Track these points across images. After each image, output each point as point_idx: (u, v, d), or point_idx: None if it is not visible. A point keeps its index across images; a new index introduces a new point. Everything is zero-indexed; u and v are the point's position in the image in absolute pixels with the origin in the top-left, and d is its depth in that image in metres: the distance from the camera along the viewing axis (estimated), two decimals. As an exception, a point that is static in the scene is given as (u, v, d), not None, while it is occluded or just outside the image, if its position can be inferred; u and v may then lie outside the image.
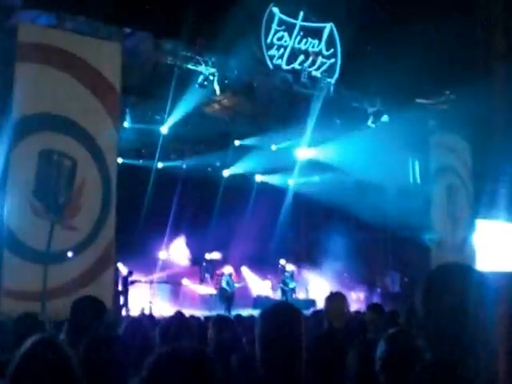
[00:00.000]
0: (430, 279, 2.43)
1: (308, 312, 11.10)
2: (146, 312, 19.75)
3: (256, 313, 14.87)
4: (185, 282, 25.45)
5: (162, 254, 25.39)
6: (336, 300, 5.78)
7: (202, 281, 25.67)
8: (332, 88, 22.21)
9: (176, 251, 25.98)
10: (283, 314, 3.22)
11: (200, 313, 17.99)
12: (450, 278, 2.38)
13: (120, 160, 20.13)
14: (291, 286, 25.74)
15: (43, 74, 15.87)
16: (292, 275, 26.20)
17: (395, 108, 24.42)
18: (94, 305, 4.90)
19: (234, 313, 21.37)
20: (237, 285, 24.95)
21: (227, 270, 25.45)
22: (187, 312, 14.89)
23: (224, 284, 24.55)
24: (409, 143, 26.05)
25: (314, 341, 4.81)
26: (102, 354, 3.95)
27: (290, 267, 26.76)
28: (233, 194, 26.44)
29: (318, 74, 21.90)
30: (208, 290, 25.53)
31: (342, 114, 23.53)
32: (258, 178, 28.67)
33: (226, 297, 24.29)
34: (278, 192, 27.54)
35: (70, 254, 15.86)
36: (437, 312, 2.34)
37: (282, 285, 25.61)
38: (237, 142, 26.85)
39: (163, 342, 4.86)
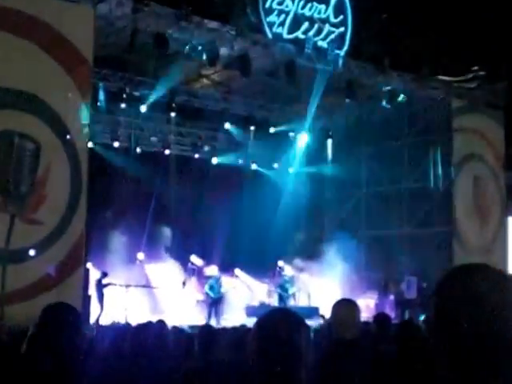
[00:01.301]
0: (443, 282, 2.36)
1: (312, 321, 11.08)
2: (121, 321, 19.69)
3: (249, 322, 14.84)
4: (166, 286, 25.35)
5: (140, 255, 25.29)
6: (346, 308, 5.73)
7: (185, 284, 25.56)
8: (341, 61, 22.10)
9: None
10: (282, 322, 3.16)
11: (184, 322, 17.94)
12: (468, 280, 2.31)
13: (91, 144, 20.02)
14: (290, 291, 25.70)
15: (1, 41, 15.76)
16: (292, 279, 26.16)
17: (413, 86, 24.35)
18: (69, 314, 4.78)
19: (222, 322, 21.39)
20: (223, 290, 24.83)
21: (213, 271, 25.38)
22: (169, 321, 14.84)
23: (207, 289, 24.43)
24: (429, 127, 26.01)
25: (320, 354, 4.78)
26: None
27: (289, 270, 26.71)
28: (223, 185, 26.32)
29: (324, 44, 21.78)
30: (194, 295, 25.45)
31: (352, 92, 23.41)
32: (253, 167, 28.59)
33: (211, 303, 24.19)
34: (276, 183, 27.46)
35: (32, 253, 15.82)
36: (451, 322, 2.26)
37: (279, 290, 25.56)
38: (227, 125, 26.77)
39: (134, 355, 4.79)
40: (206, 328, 7.91)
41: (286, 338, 3.01)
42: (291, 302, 25.45)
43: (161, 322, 7.07)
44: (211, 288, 24.29)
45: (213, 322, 20.88)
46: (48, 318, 4.62)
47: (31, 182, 16.09)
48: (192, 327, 11.54)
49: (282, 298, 25.22)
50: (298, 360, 2.97)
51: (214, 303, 24.16)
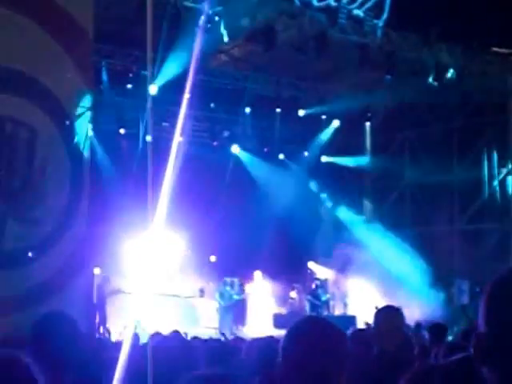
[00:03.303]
0: (496, 284, 2.22)
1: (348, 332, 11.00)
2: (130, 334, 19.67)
3: (277, 334, 14.78)
4: (183, 293, 25.35)
5: (150, 259, 25.20)
6: (389, 316, 5.72)
7: (203, 292, 25.56)
8: (379, 32, 22.02)
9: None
10: (319, 331, 3.10)
11: (199, 334, 17.93)
12: None
13: (93, 131, 20.01)
14: (323, 298, 25.59)
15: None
16: (325, 284, 26.08)
17: (464, 60, 24.22)
18: (65, 325, 4.69)
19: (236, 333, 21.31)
20: (236, 296, 24.72)
21: (232, 275, 25.39)
22: (188, 333, 14.80)
23: (217, 297, 24.39)
24: (482, 108, 25.85)
25: (359, 369, 4.72)
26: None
27: (322, 273, 26.62)
28: (245, 175, 26.31)
29: (360, 13, 21.70)
30: (212, 303, 25.40)
31: (393, 67, 23.31)
32: (280, 156, 28.52)
33: (224, 312, 24.14)
34: (305, 174, 27.39)
35: (30, 255, 15.81)
36: (504, 330, 2.11)
37: (310, 297, 25.45)
38: (247, 110, 26.70)
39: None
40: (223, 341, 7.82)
41: (322, 349, 2.97)
42: (325, 312, 25.32)
43: (176, 333, 6.96)
44: (221, 295, 24.25)
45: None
46: (39, 331, 4.50)
47: (26, 176, 16.10)
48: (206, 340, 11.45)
49: (313, 307, 25.10)
50: (335, 375, 2.93)
51: (228, 311, 24.10)
